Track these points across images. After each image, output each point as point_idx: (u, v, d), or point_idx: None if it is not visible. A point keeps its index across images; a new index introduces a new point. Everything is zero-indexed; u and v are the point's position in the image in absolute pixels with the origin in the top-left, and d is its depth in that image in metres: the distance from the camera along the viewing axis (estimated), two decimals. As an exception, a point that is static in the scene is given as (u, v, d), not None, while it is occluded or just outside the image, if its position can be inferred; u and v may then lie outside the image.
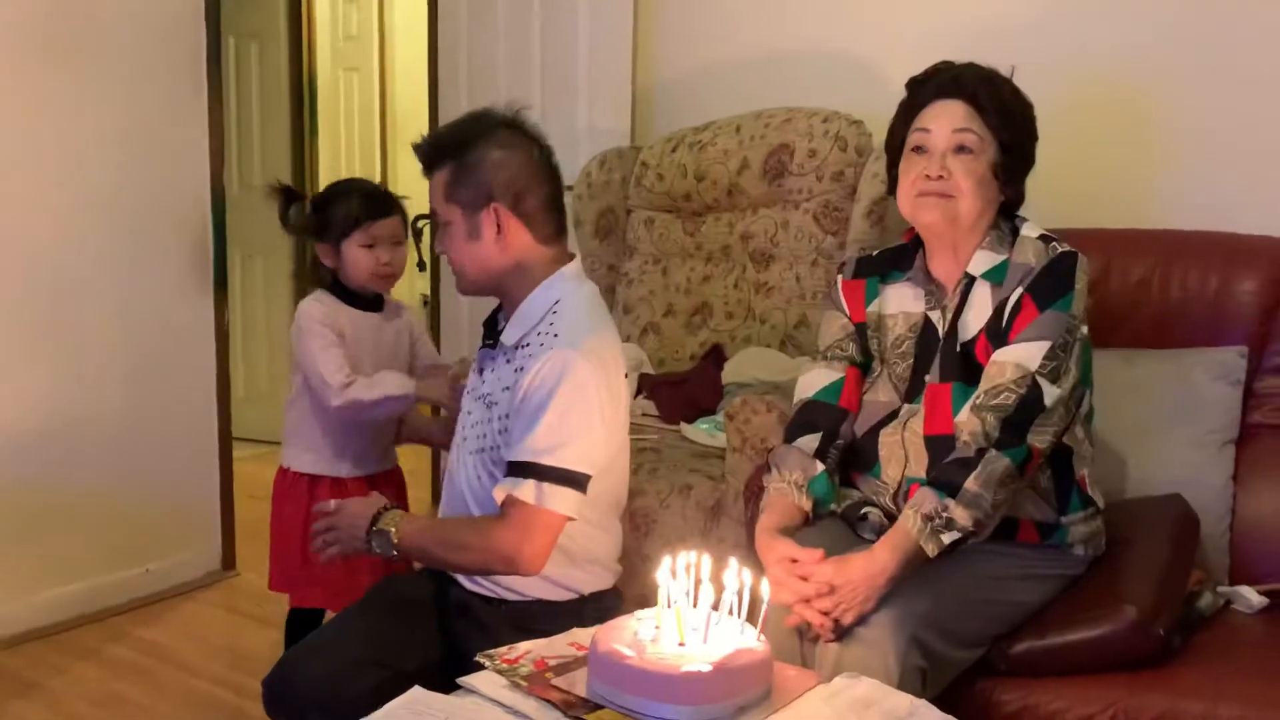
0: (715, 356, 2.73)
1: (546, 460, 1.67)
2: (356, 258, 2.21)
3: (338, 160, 5.22)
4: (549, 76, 3.31)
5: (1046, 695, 1.67)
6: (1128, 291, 2.26)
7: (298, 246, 4.92)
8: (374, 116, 5.34)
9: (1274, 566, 2.01)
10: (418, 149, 1.82)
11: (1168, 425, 2.13)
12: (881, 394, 1.89)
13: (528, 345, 1.76)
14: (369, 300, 2.29)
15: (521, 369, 1.73)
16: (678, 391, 2.63)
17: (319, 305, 2.23)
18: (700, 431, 2.50)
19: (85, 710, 2.55)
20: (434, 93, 3.75)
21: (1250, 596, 1.94)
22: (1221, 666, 1.70)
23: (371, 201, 2.23)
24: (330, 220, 2.22)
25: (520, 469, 1.68)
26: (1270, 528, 2.05)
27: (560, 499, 1.68)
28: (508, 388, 1.76)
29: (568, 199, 3.13)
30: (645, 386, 2.75)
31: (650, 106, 3.28)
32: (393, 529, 1.73)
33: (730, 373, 2.64)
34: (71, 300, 3.00)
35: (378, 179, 5.21)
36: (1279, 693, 1.60)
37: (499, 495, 1.70)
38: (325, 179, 5.08)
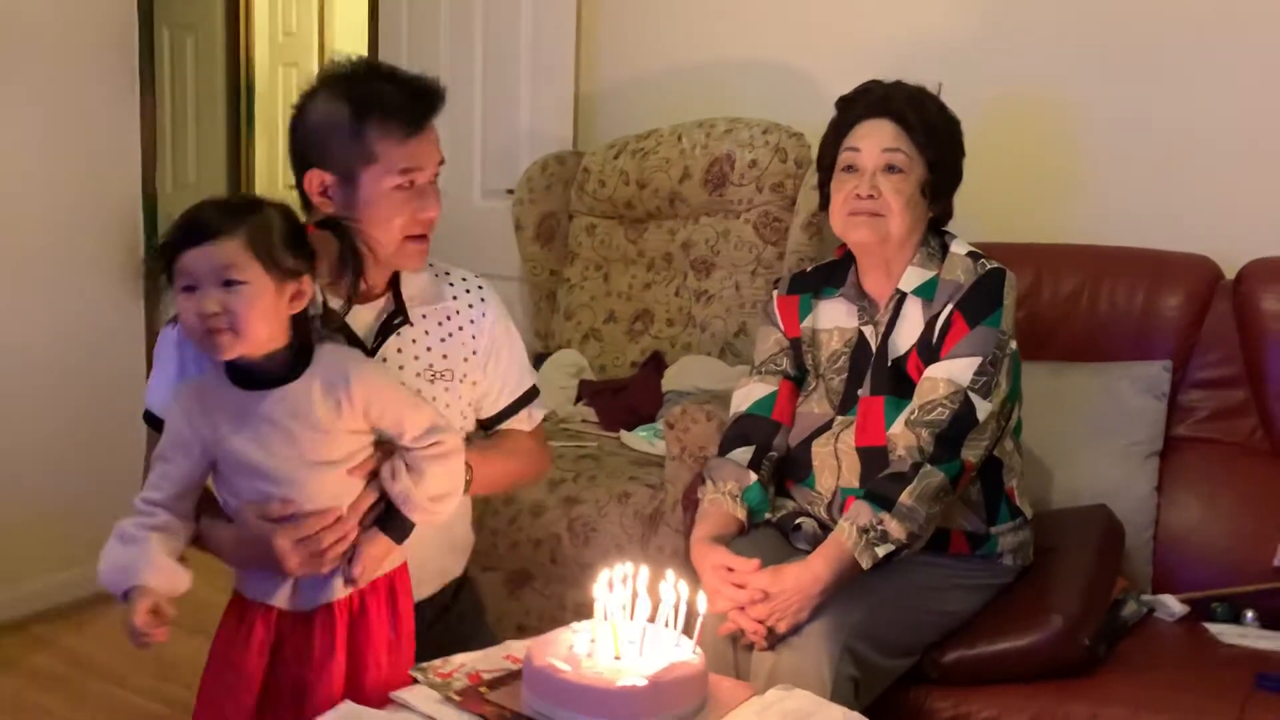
0: (655, 364, 2.73)
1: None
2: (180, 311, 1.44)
3: (275, 159, 5.15)
4: (490, 77, 3.29)
5: (977, 704, 1.71)
6: (1057, 305, 2.31)
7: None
8: (308, 114, 5.26)
9: (1195, 575, 2.06)
10: (423, 91, 1.58)
11: (1094, 437, 2.18)
12: (816, 406, 1.92)
13: (459, 313, 1.73)
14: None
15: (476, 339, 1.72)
16: (617, 399, 2.63)
17: None
18: (640, 439, 2.50)
19: (2, 722, 2.48)
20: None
21: (1172, 605, 2.00)
22: (1144, 675, 1.74)
23: (197, 219, 1.41)
24: None
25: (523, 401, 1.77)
26: (1192, 538, 2.11)
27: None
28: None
29: (508, 202, 3.14)
30: (585, 393, 2.75)
31: (592, 112, 3.28)
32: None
33: (670, 380, 2.64)
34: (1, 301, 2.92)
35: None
36: (1198, 701, 1.65)
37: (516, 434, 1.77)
38: (262, 178, 5.02)
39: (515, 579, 2.37)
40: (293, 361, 1.44)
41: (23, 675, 2.70)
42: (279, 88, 5.24)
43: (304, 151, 1.60)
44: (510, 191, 3.15)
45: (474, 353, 1.69)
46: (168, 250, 1.39)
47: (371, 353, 1.61)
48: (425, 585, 1.67)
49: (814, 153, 2.69)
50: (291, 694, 1.47)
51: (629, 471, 2.35)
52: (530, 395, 1.78)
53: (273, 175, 5.10)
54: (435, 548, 1.68)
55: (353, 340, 1.58)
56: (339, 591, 1.48)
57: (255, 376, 1.44)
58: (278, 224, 1.42)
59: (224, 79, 4.82)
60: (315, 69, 5.25)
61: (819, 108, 2.84)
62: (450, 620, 1.76)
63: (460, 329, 1.69)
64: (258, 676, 1.48)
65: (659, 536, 2.19)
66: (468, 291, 1.72)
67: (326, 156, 1.57)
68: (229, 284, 1.37)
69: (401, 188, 1.57)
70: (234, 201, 1.46)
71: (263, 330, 1.40)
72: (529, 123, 3.24)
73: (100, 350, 3.15)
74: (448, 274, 1.73)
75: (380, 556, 1.50)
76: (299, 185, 1.62)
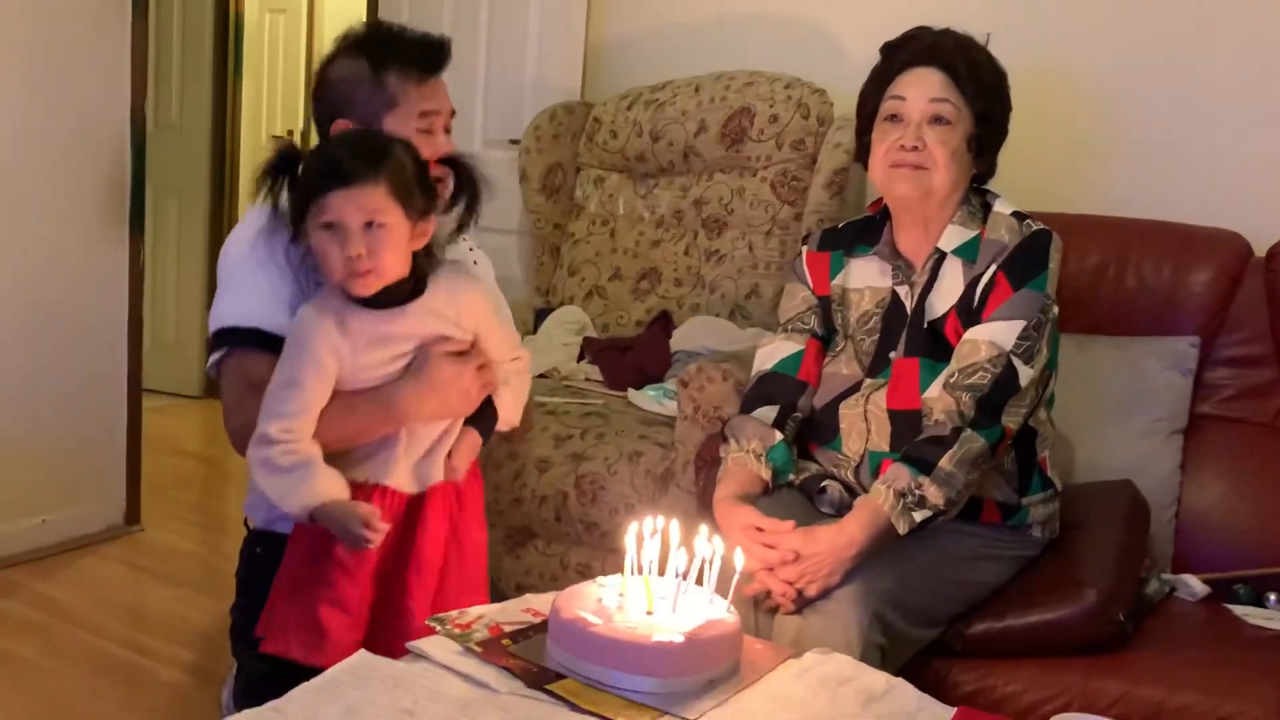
0: (663, 323, 2.65)
1: None
2: (316, 243, 1.49)
3: (260, 105, 4.99)
4: (497, 25, 3.18)
5: (1002, 678, 1.65)
6: (1084, 278, 2.25)
7: (215, 186, 4.74)
8: (299, 63, 5.13)
9: (1217, 555, 2.02)
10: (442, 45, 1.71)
11: (1118, 412, 2.13)
12: (844, 367, 1.85)
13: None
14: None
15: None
16: (624, 358, 2.55)
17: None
18: (648, 398, 2.43)
19: (-27, 668, 2.38)
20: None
21: (1194, 585, 1.95)
22: (1174, 654, 1.69)
23: (344, 159, 1.48)
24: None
25: None
26: (1215, 517, 2.07)
27: None
28: None
29: (511, 153, 3.04)
30: (590, 350, 2.67)
31: (601, 62, 3.18)
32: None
33: (679, 340, 2.57)
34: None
35: (300, 128, 5.01)
36: (1229, 680, 1.60)
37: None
38: (247, 123, 4.87)
39: (516, 536, 2.29)
40: (411, 287, 1.53)
41: (-6, 621, 2.60)
42: (265, 34, 5.10)
43: (330, 106, 1.69)
44: (514, 142, 3.05)
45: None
46: (309, 190, 1.46)
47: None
48: None
49: (836, 110, 2.63)
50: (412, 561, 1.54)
51: (638, 430, 2.27)
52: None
53: (257, 122, 4.96)
54: None
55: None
56: (441, 475, 1.58)
57: (375, 299, 1.50)
58: (410, 165, 1.51)
59: (212, 21, 4.67)
60: (304, 17, 5.15)
61: (837, 64, 2.79)
62: None
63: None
64: (375, 553, 1.51)
65: (669, 497, 2.12)
66: (470, 250, 1.82)
67: (351, 107, 1.67)
68: (370, 225, 1.45)
69: (421, 130, 1.65)
70: (368, 143, 1.51)
71: (400, 267, 1.50)
72: (536, 72, 3.14)
73: (81, 288, 3.04)
74: None
75: (474, 449, 1.61)
76: (326, 136, 1.70)
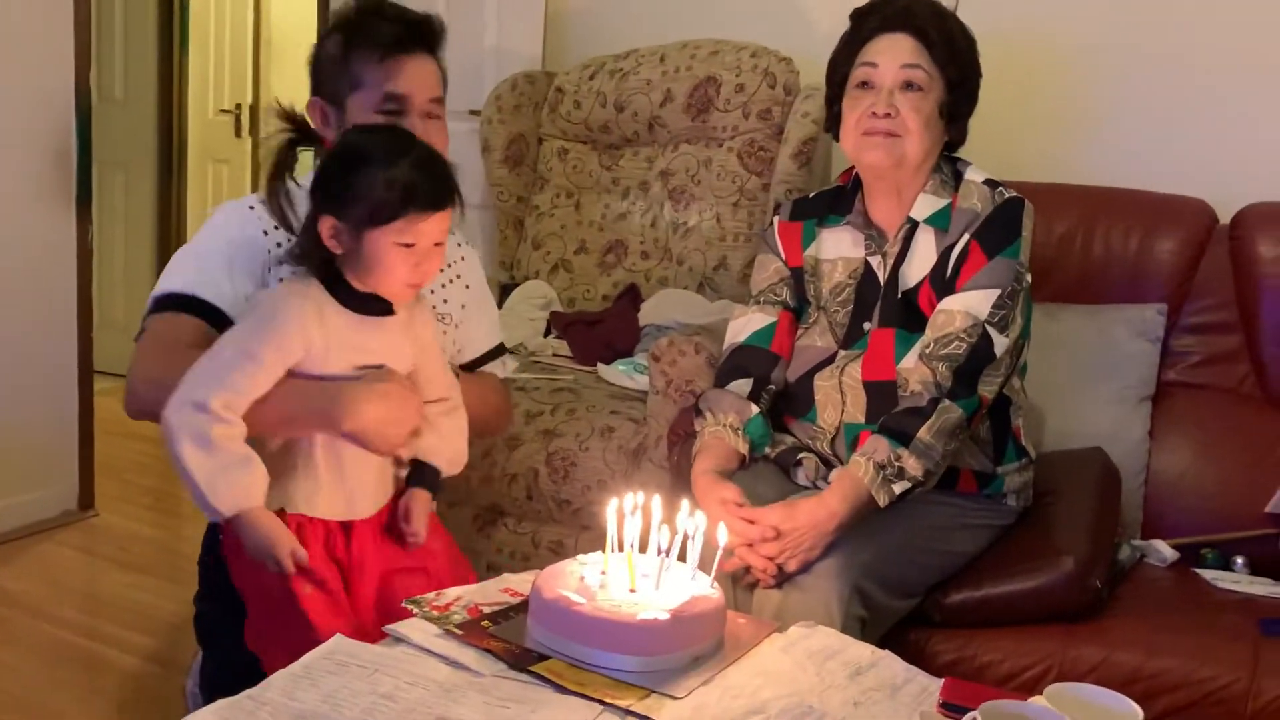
0: (631, 297, 2.62)
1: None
2: (385, 255, 1.43)
3: (206, 79, 4.86)
4: (456, -8, 3.11)
5: (982, 647, 1.66)
6: (1052, 246, 2.25)
7: (163, 161, 4.62)
8: (247, 36, 4.99)
9: (1185, 521, 2.04)
10: (418, 25, 1.63)
11: (1087, 380, 2.14)
12: (817, 339, 1.83)
13: (451, 265, 1.80)
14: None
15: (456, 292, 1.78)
16: (593, 332, 2.51)
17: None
18: (618, 373, 2.40)
19: (-76, 659, 2.31)
20: (324, 6, 3.49)
21: (1164, 550, 1.97)
22: (1149, 619, 1.70)
23: (426, 182, 1.43)
24: (357, 193, 1.41)
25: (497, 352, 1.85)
26: (1183, 483, 2.09)
27: None
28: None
29: (471, 124, 2.98)
30: (557, 325, 2.63)
31: (563, 30, 3.12)
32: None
33: (647, 314, 2.54)
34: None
35: (248, 102, 4.89)
36: (1208, 645, 1.61)
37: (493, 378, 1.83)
38: (196, 99, 4.75)
39: (486, 515, 2.25)
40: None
41: (-55, 610, 2.53)
42: (211, 6, 4.96)
43: (312, 83, 1.66)
44: (474, 113, 2.99)
45: (468, 298, 1.79)
46: (393, 203, 1.40)
47: None
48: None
49: (803, 79, 2.60)
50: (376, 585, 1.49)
51: (609, 405, 2.24)
52: (502, 348, 1.89)
53: (204, 96, 4.84)
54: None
55: None
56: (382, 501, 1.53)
57: (361, 305, 1.47)
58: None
59: (154, -7, 4.54)
60: (251, -13, 5.00)
61: (803, 31, 2.76)
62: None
63: (459, 276, 1.78)
64: (338, 580, 1.46)
65: (642, 472, 2.09)
66: (458, 245, 1.80)
67: (322, 85, 1.63)
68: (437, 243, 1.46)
69: (384, 113, 1.57)
70: (438, 164, 1.46)
71: None
72: (495, 40, 3.07)
73: (28, 268, 2.95)
74: None
75: (426, 508, 1.55)
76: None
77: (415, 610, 1.33)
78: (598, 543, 1.76)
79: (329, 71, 1.62)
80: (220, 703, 1.11)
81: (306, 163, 1.56)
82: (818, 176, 2.57)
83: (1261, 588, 1.86)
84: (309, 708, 1.11)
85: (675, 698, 1.18)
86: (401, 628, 1.29)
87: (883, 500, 1.58)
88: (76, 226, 3.03)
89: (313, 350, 1.43)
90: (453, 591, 1.40)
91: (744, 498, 1.61)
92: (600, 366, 2.46)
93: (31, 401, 2.97)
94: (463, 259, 1.81)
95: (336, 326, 1.44)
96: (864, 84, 1.75)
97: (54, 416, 3.06)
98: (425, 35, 1.62)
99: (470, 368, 1.81)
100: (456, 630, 1.29)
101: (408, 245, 1.42)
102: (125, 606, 2.63)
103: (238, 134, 4.82)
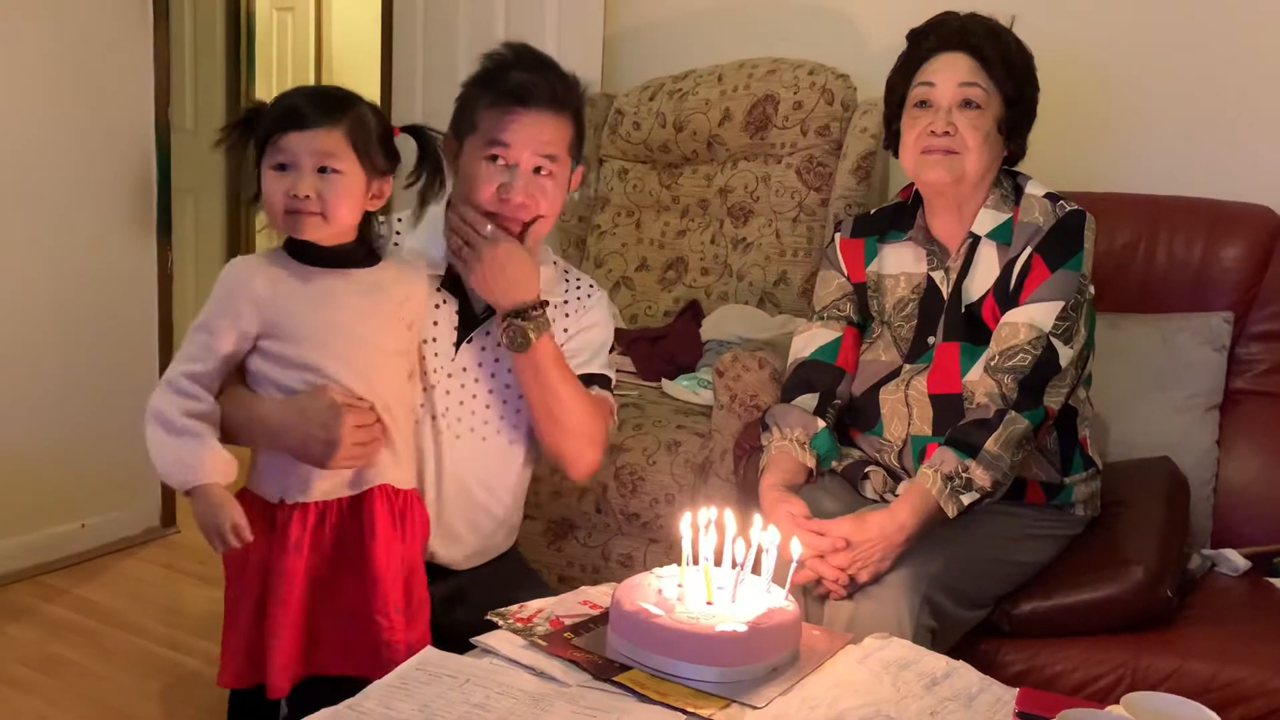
0: (693, 312, 2.66)
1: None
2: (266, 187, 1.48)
3: (275, 105, 5.00)
4: (514, 18, 3.18)
5: (1052, 657, 1.67)
6: (1114, 256, 2.26)
7: (231, 190, 4.75)
8: (309, 61, 5.12)
9: (1256, 529, 2.03)
10: (545, 80, 1.59)
11: (1153, 389, 2.14)
12: (882, 353, 1.86)
13: (567, 302, 1.78)
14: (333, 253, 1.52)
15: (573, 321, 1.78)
16: (656, 348, 2.56)
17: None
18: (682, 388, 2.44)
19: (23, 674, 2.40)
20: (388, 31, 3.58)
21: (1235, 559, 1.96)
22: (1221, 628, 1.70)
23: (297, 106, 1.46)
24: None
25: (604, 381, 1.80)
26: (1252, 492, 2.08)
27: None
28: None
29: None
30: (621, 342, 2.67)
31: (620, 53, 3.18)
32: (533, 334, 1.61)
33: (709, 329, 2.57)
34: (2, 240, 2.80)
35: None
36: (1278, 654, 1.61)
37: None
38: (261, 124, 4.89)
39: (556, 529, 2.30)
40: (359, 256, 1.53)
41: (40, 626, 2.63)
42: (274, 32, 5.09)
43: (451, 119, 1.69)
44: (536, 135, 3.05)
45: (570, 326, 1.77)
46: (265, 129, 1.44)
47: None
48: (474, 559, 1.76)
49: (860, 95, 2.63)
50: (351, 570, 1.50)
51: (675, 420, 2.29)
52: (609, 380, 1.82)
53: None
54: (493, 533, 1.78)
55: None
56: (385, 475, 1.54)
57: (321, 257, 1.50)
58: (373, 122, 1.49)
59: (223, 21, 4.67)
60: (312, 15, 5.14)
61: (858, 47, 2.79)
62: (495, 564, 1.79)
63: (567, 315, 1.76)
64: (300, 572, 1.49)
65: (709, 486, 2.13)
66: (579, 289, 1.80)
67: (453, 122, 1.67)
68: (324, 170, 1.44)
69: (485, 159, 1.59)
70: (330, 93, 1.51)
71: (347, 219, 1.49)
72: (555, 64, 3.13)
73: (110, 291, 3.06)
74: (567, 273, 1.81)
75: None
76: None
77: (500, 622, 1.39)
78: (667, 555, 1.80)
79: (458, 110, 1.65)
80: (323, 712, 1.16)
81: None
82: (876, 190, 2.59)
83: (1336, 596, 1.85)
84: (406, 717, 1.16)
85: (755, 707, 1.21)
86: (489, 639, 1.34)
87: (951, 511, 1.61)
88: (157, 254, 3.14)
89: (265, 307, 1.46)
90: (534, 604, 1.45)
91: (810, 512, 1.64)
92: (665, 382, 2.50)
93: (115, 423, 3.08)
94: (591, 292, 1.81)
95: (297, 283, 1.48)
96: (922, 103, 1.78)
97: (137, 437, 3.15)
98: (547, 91, 1.58)
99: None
100: (541, 642, 1.34)
101: (280, 167, 1.44)
102: (209, 620, 2.72)
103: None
